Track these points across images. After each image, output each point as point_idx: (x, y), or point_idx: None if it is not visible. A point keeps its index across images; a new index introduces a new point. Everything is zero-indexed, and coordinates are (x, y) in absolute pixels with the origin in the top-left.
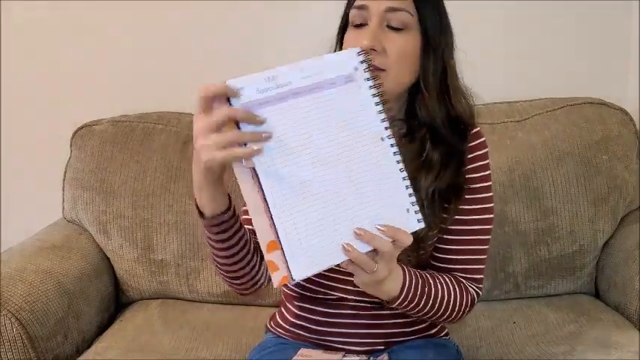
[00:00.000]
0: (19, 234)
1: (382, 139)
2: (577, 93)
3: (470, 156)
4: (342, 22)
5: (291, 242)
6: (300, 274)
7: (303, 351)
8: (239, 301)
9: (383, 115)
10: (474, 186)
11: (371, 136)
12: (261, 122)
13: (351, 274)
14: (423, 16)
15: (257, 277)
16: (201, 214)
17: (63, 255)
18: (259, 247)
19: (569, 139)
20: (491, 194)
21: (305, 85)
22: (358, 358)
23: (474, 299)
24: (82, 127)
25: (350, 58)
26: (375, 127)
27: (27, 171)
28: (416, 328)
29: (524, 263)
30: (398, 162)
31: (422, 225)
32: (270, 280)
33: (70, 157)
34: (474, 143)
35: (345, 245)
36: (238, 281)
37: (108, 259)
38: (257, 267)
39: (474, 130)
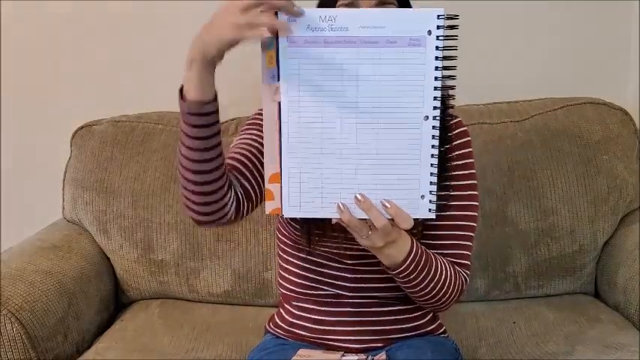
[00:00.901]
0: (19, 234)
1: (426, 117)
2: (577, 93)
3: (450, 134)
4: None
5: (292, 184)
6: (290, 213)
7: (302, 351)
8: (239, 301)
9: (437, 93)
10: (459, 162)
11: (415, 110)
12: (300, 14)
13: (348, 271)
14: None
15: (223, 202)
16: (183, 100)
17: (63, 255)
18: (229, 181)
19: (569, 139)
20: (474, 171)
21: (362, 35)
22: (357, 357)
23: (463, 285)
24: (82, 127)
25: (426, 19)
26: (424, 102)
27: (27, 171)
28: (414, 324)
29: (524, 263)
30: (434, 147)
31: (432, 215)
32: (235, 215)
33: (70, 157)
34: (454, 121)
35: (340, 205)
36: (204, 199)
37: (108, 259)
38: (225, 190)
39: (455, 120)
